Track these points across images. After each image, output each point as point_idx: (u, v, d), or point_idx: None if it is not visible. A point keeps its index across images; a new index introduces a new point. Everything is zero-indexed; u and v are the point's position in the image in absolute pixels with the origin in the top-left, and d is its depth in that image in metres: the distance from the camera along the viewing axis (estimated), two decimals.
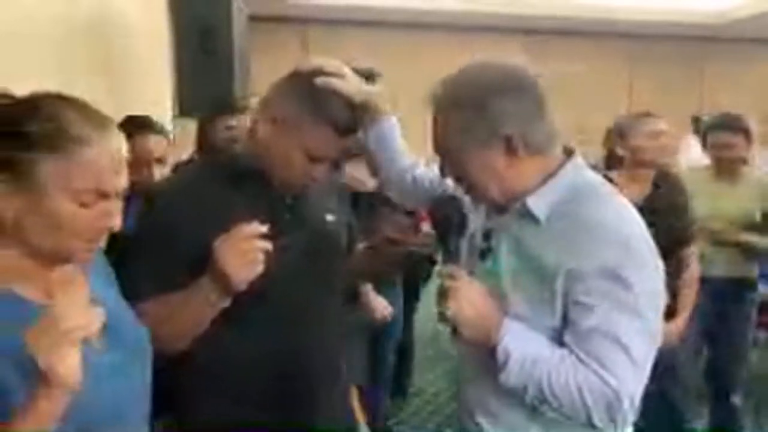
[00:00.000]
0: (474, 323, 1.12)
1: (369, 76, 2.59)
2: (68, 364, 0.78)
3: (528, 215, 1.15)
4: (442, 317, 1.13)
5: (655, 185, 2.41)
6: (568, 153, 1.21)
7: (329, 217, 1.39)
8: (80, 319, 0.80)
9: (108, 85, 2.55)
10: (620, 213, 1.14)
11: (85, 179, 0.88)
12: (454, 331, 1.14)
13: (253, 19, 3.56)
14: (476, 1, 6.98)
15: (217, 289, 1.13)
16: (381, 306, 2.62)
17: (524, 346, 1.10)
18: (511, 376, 1.10)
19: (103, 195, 0.91)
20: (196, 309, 1.16)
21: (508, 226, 1.19)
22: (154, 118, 2.14)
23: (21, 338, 0.79)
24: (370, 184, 2.48)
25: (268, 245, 1.12)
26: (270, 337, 1.25)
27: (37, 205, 0.87)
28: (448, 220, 1.22)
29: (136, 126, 1.93)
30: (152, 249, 1.19)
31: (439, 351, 4.19)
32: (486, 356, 1.13)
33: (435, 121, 1.19)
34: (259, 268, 1.12)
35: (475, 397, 1.26)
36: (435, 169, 1.45)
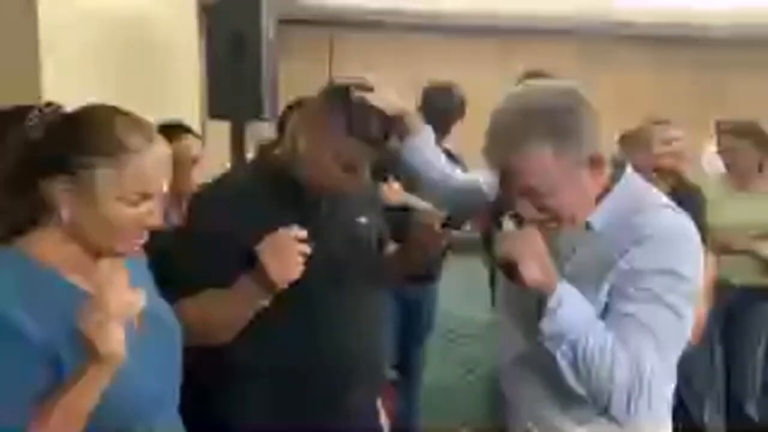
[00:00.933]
0: (533, 264, 1.12)
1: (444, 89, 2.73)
2: (114, 340, 0.89)
3: (586, 230, 1.20)
4: (501, 256, 1.15)
5: (672, 192, 2.44)
6: (618, 164, 1.24)
7: (362, 220, 1.47)
8: (125, 300, 0.92)
9: (141, 89, 2.66)
10: (674, 220, 1.20)
11: (133, 183, 0.99)
12: (510, 274, 1.15)
13: (280, 22, 3.66)
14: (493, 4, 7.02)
15: (259, 289, 1.22)
16: None
17: (575, 303, 1.13)
18: (553, 325, 1.12)
19: (148, 196, 1.01)
20: (237, 307, 1.25)
21: (559, 243, 1.22)
22: (184, 121, 2.25)
23: (73, 318, 0.90)
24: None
25: (307, 248, 1.20)
26: (304, 334, 1.34)
27: (90, 205, 0.98)
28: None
29: (172, 130, 2.04)
30: (197, 248, 1.29)
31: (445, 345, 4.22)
32: (542, 359, 1.16)
33: (510, 155, 1.13)
34: (299, 270, 1.20)
35: (524, 399, 1.29)
36: (474, 174, 1.52)
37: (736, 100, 7.41)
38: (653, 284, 1.12)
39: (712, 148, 3.51)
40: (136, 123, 1.03)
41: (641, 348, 1.11)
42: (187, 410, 1.19)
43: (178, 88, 3.32)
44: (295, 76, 4.70)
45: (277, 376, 1.36)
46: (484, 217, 1.93)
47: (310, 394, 1.37)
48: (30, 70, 1.83)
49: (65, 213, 0.98)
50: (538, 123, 1.12)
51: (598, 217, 1.19)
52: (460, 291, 4.85)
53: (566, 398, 1.20)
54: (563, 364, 1.14)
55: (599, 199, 1.20)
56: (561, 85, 1.19)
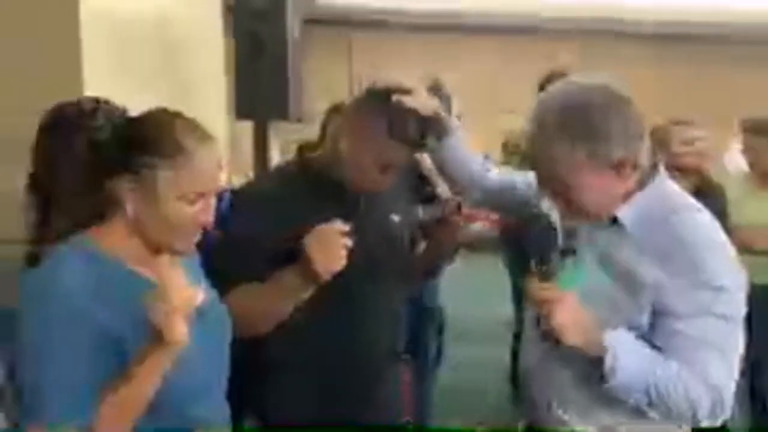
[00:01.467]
0: (578, 332, 1.15)
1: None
2: (180, 326, 0.97)
3: (614, 224, 1.21)
4: (545, 327, 1.17)
5: (695, 191, 2.44)
6: (653, 166, 1.25)
7: (395, 218, 1.53)
8: (190, 292, 1.00)
9: (167, 89, 2.72)
10: (705, 223, 1.21)
11: (191, 182, 1.06)
12: (556, 341, 1.17)
13: (303, 23, 3.71)
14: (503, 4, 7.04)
15: (303, 281, 1.27)
16: None
17: (629, 355, 1.15)
18: (618, 381, 1.15)
19: (203, 195, 1.08)
20: (279, 299, 1.31)
21: (593, 237, 1.25)
22: (210, 121, 2.32)
23: (138, 304, 0.97)
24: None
25: (349, 242, 1.25)
26: (341, 328, 1.39)
27: (152, 202, 1.05)
28: (542, 236, 1.28)
29: None
30: (240, 245, 1.35)
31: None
32: (565, 350, 1.19)
33: (537, 142, 1.19)
34: (343, 262, 1.25)
35: (550, 385, 1.32)
36: (508, 172, 1.56)
37: (752, 98, 7.37)
38: (700, 297, 1.14)
39: (735, 146, 3.50)
40: (194, 126, 1.10)
41: (706, 364, 1.15)
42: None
43: (205, 88, 3.38)
44: (314, 76, 4.76)
45: (313, 368, 1.42)
46: (508, 219, 1.95)
47: (344, 387, 1.43)
48: (72, 68, 1.91)
49: (129, 209, 1.06)
50: (566, 123, 1.15)
51: (628, 213, 1.20)
52: (476, 289, 4.88)
53: (599, 389, 1.21)
54: (642, 406, 1.18)
55: (630, 196, 1.21)
56: (593, 84, 1.19)
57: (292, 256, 1.27)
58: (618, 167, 1.16)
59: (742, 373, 2.78)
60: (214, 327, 1.17)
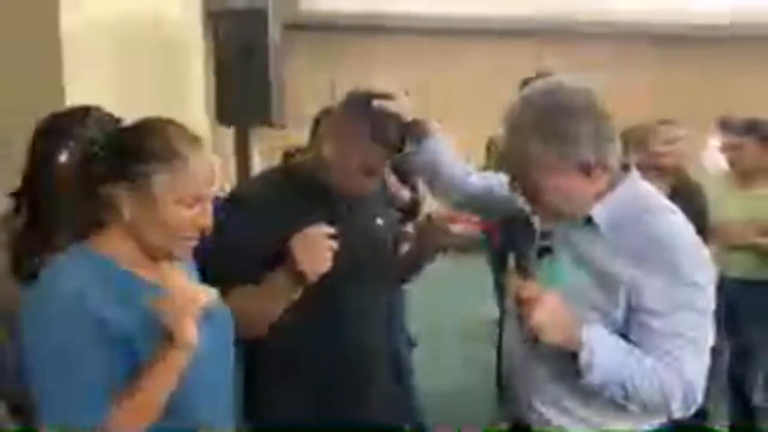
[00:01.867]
0: (556, 331, 1.18)
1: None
2: (189, 330, 0.99)
3: (589, 224, 1.23)
4: (524, 325, 1.19)
5: (674, 190, 2.43)
6: (624, 167, 1.28)
7: (378, 221, 1.55)
8: (196, 293, 1.03)
9: (148, 92, 2.72)
10: (678, 223, 1.23)
11: (187, 187, 1.07)
12: (535, 339, 1.20)
13: (286, 27, 3.72)
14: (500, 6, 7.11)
15: (290, 283, 1.29)
16: None
17: (605, 351, 1.18)
18: (595, 376, 1.18)
19: (200, 199, 1.09)
20: (270, 301, 1.33)
21: (569, 237, 1.27)
22: (192, 125, 2.33)
23: (143, 306, 1.00)
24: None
25: (334, 244, 1.27)
26: (328, 326, 1.41)
27: (149, 208, 1.06)
28: (520, 235, 1.30)
29: None
30: (230, 249, 1.35)
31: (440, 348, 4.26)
32: (544, 347, 1.21)
33: (509, 142, 1.22)
34: (328, 264, 1.27)
35: (529, 380, 1.34)
36: (486, 176, 1.58)
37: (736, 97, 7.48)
38: (676, 295, 1.17)
39: (713, 144, 3.52)
40: (186, 132, 1.12)
41: (681, 358, 1.18)
42: None
43: (186, 94, 3.38)
44: (297, 81, 4.77)
45: (303, 370, 1.43)
46: (489, 220, 1.96)
47: (334, 388, 1.44)
48: (52, 70, 1.92)
49: (127, 215, 1.07)
50: (536, 119, 1.18)
51: (602, 213, 1.23)
52: (468, 290, 4.89)
53: (576, 385, 1.23)
54: (618, 400, 1.21)
55: (602, 196, 1.23)
56: (566, 86, 1.21)
57: (281, 259, 1.29)
58: (587, 169, 1.18)
59: (725, 367, 2.87)
60: (221, 328, 1.19)
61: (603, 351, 1.17)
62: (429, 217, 1.57)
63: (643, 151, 2.49)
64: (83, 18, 2.10)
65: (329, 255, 1.27)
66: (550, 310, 1.17)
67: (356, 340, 1.45)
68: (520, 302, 1.19)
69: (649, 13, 7.22)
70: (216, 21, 3.06)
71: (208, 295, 1.05)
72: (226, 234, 1.38)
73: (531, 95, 1.23)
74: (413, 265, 1.66)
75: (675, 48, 8.18)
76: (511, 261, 1.28)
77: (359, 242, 1.42)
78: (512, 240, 1.31)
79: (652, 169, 2.45)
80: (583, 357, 1.17)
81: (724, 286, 2.56)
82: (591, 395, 1.24)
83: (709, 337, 1.22)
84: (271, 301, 1.33)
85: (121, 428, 0.99)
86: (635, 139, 2.55)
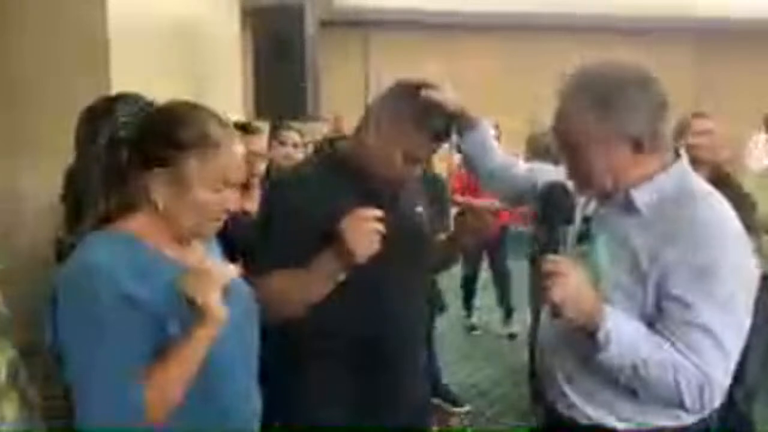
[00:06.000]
0: (577, 307, 1.16)
1: None
2: (217, 306, 1.02)
3: (630, 207, 1.21)
4: (546, 299, 1.17)
5: (710, 183, 2.43)
6: (676, 154, 1.25)
7: (418, 209, 1.58)
8: (220, 270, 1.06)
9: (184, 88, 2.79)
10: (721, 214, 1.18)
11: (219, 172, 1.10)
12: (556, 314, 1.18)
13: (322, 24, 3.77)
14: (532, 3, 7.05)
15: (340, 263, 1.32)
16: None
17: (623, 332, 1.15)
18: (610, 358, 1.16)
19: (230, 183, 1.13)
20: (317, 282, 1.35)
21: (608, 217, 1.25)
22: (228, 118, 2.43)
23: (170, 283, 1.03)
24: None
25: (381, 227, 1.30)
26: (367, 310, 1.43)
27: (182, 192, 1.09)
28: (557, 208, 1.27)
29: (249, 127, 2.34)
30: (280, 229, 1.40)
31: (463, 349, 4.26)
32: (572, 331, 1.20)
33: (562, 113, 1.22)
34: (377, 246, 1.30)
35: (559, 366, 1.34)
36: (534, 166, 1.57)
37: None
38: (701, 283, 1.12)
39: (758, 141, 3.42)
40: (218, 118, 1.14)
41: (701, 351, 1.13)
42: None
43: (222, 88, 3.45)
44: (331, 76, 4.82)
45: (341, 352, 1.45)
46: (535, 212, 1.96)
47: (371, 371, 1.46)
48: (100, 62, 2.02)
49: (159, 200, 1.10)
50: (590, 92, 1.18)
51: (644, 196, 1.21)
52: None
53: (600, 371, 1.23)
54: (631, 384, 1.19)
55: (650, 178, 1.21)
56: (623, 62, 1.21)
57: (327, 241, 1.31)
58: (639, 145, 1.17)
59: None
60: (241, 305, 1.20)
61: (621, 329, 1.15)
62: (465, 205, 1.58)
63: (682, 142, 2.47)
64: (129, 18, 2.18)
65: (377, 237, 1.29)
66: (573, 287, 1.15)
67: (394, 325, 1.48)
68: (546, 275, 1.17)
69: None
70: (253, 18, 3.12)
71: (231, 272, 1.09)
72: (273, 217, 1.43)
73: (587, 69, 1.22)
74: (451, 254, 1.68)
75: (715, 43, 7.98)
76: (541, 231, 1.27)
77: (400, 229, 1.43)
78: (547, 217, 1.27)
79: (691, 162, 2.42)
80: (601, 332, 1.15)
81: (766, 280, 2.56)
82: (617, 385, 1.22)
83: (738, 342, 1.16)
84: (317, 282, 1.35)
85: (151, 403, 1.01)
86: (677, 132, 2.53)
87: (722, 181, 2.46)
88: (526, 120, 4.93)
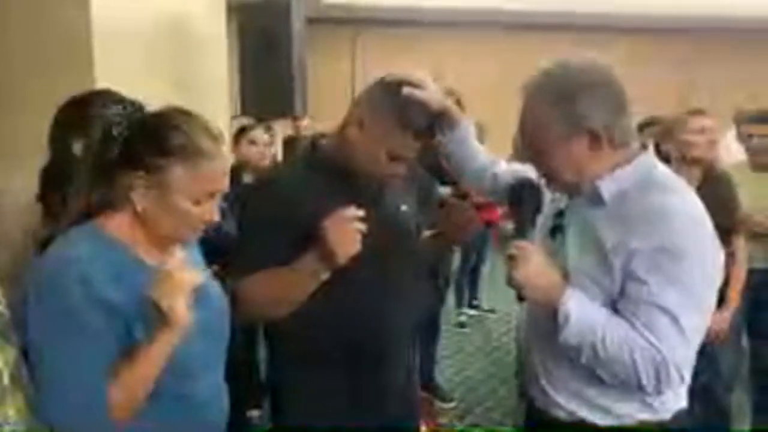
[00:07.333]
0: (538, 287, 1.21)
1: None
2: (181, 309, 1.03)
3: (596, 199, 1.24)
4: (510, 281, 1.23)
5: (703, 180, 2.43)
6: (642, 147, 1.28)
7: (403, 207, 1.56)
8: (186, 277, 1.05)
9: (171, 85, 2.76)
10: (684, 198, 1.22)
11: (203, 183, 1.10)
12: (520, 296, 1.24)
13: (309, 21, 3.74)
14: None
15: (322, 264, 1.31)
16: None
17: (583, 311, 1.19)
18: (569, 336, 1.20)
19: (212, 195, 1.12)
20: (301, 281, 1.35)
21: (578, 209, 1.29)
22: (213, 116, 2.39)
23: (143, 289, 1.03)
24: None
25: (363, 227, 1.29)
26: (354, 306, 1.42)
27: (162, 199, 1.09)
28: (524, 199, 1.32)
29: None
30: (263, 230, 1.38)
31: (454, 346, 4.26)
32: (549, 324, 1.23)
33: (524, 111, 1.26)
34: (358, 246, 1.29)
35: (538, 362, 1.36)
36: (514, 165, 1.58)
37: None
38: (660, 262, 1.15)
39: (729, 136, 3.50)
40: (208, 128, 1.12)
41: (659, 331, 1.15)
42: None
43: (208, 84, 3.42)
44: (318, 73, 4.79)
45: (326, 353, 1.44)
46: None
47: (357, 372, 1.46)
48: (84, 60, 1.99)
49: (139, 203, 1.09)
50: (549, 89, 1.22)
51: (610, 186, 1.23)
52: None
53: (577, 365, 1.25)
54: (590, 364, 1.21)
55: (615, 170, 1.23)
56: (585, 61, 1.24)
57: (309, 241, 1.31)
58: (597, 140, 1.20)
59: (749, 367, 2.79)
60: (209, 307, 1.20)
61: (582, 310, 1.19)
62: (447, 201, 1.57)
63: (672, 141, 2.47)
64: (113, 16, 2.15)
65: (358, 237, 1.29)
66: (534, 267, 1.21)
67: (378, 325, 1.47)
68: (509, 259, 1.22)
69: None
70: (239, 14, 3.09)
71: (199, 277, 1.09)
72: (255, 217, 1.41)
73: (547, 68, 1.25)
74: (438, 250, 1.67)
75: (712, 42, 8.01)
76: (512, 228, 1.31)
77: (383, 228, 1.43)
78: (515, 210, 1.32)
79: (682, 159, 2.43)
80: (561, 312, 1.19)
81: (749, 275, 2.59)
82: (593, 377, 1.24)
83: (699, 326, 1.18)
84: (300, 282, 1.35)
85: (117, 402, 1.02)
86: (664, 129, 2.53)
87: (716, 178, 2.48)
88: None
